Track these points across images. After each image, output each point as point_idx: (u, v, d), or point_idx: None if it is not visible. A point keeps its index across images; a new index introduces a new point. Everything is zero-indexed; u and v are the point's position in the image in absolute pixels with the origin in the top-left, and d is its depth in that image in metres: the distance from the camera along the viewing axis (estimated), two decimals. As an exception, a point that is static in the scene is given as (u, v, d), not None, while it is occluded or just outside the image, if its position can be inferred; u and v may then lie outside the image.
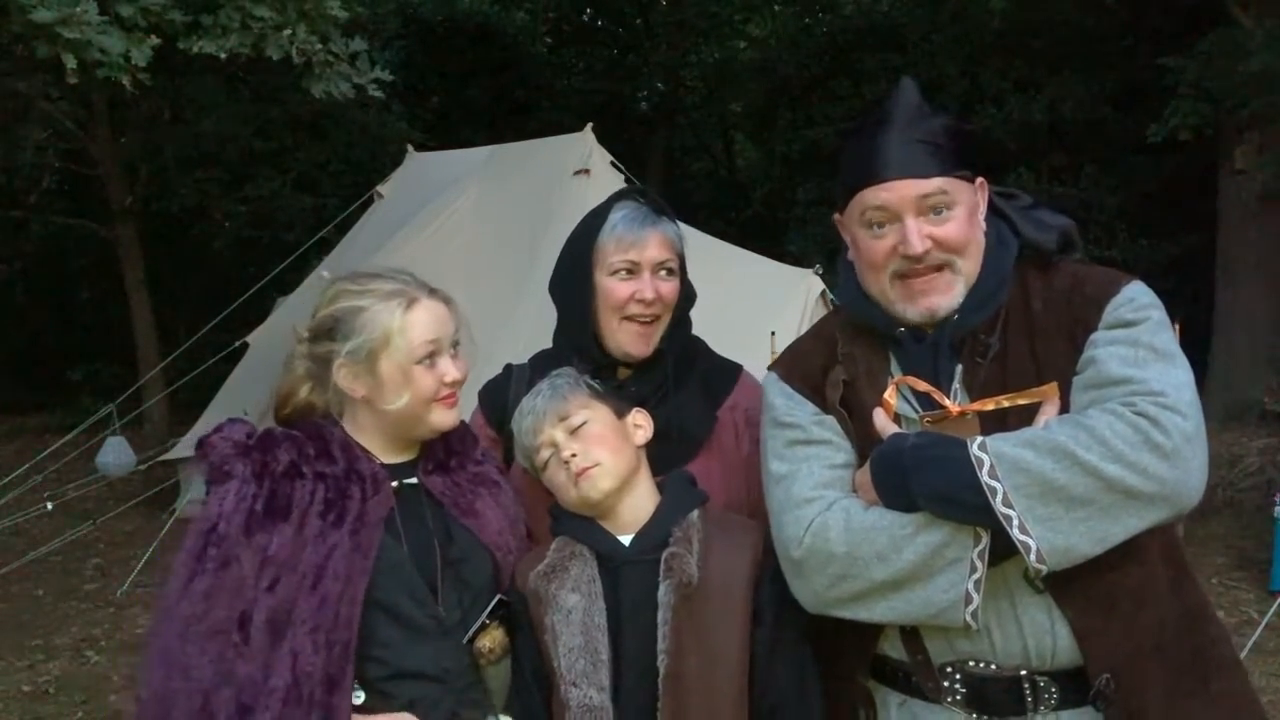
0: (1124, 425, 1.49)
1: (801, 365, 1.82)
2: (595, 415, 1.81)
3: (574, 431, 1.79)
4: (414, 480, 1.79)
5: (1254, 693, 1.76)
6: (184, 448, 8.11)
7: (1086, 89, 10.82)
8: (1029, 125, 10.73)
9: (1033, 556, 1.49)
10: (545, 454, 1.80)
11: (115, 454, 8.14)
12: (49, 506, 7.10)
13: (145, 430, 9.74)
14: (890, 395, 1.68)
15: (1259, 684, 4.51)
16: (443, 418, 1.78)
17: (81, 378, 12.29)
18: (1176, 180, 10.26)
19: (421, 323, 1.74)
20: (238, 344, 8.13)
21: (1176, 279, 8.81)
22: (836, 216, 1.79)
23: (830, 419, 1.74)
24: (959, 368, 1.69)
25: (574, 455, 1.76)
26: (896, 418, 1.68)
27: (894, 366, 1.74)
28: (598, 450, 1.77)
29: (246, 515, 1.64)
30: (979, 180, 1.74)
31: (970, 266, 1.69)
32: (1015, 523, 1.49)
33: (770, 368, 1.88)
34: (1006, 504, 1.49)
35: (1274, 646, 5.07)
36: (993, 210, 1.77)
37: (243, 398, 7.46)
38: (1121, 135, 10.35)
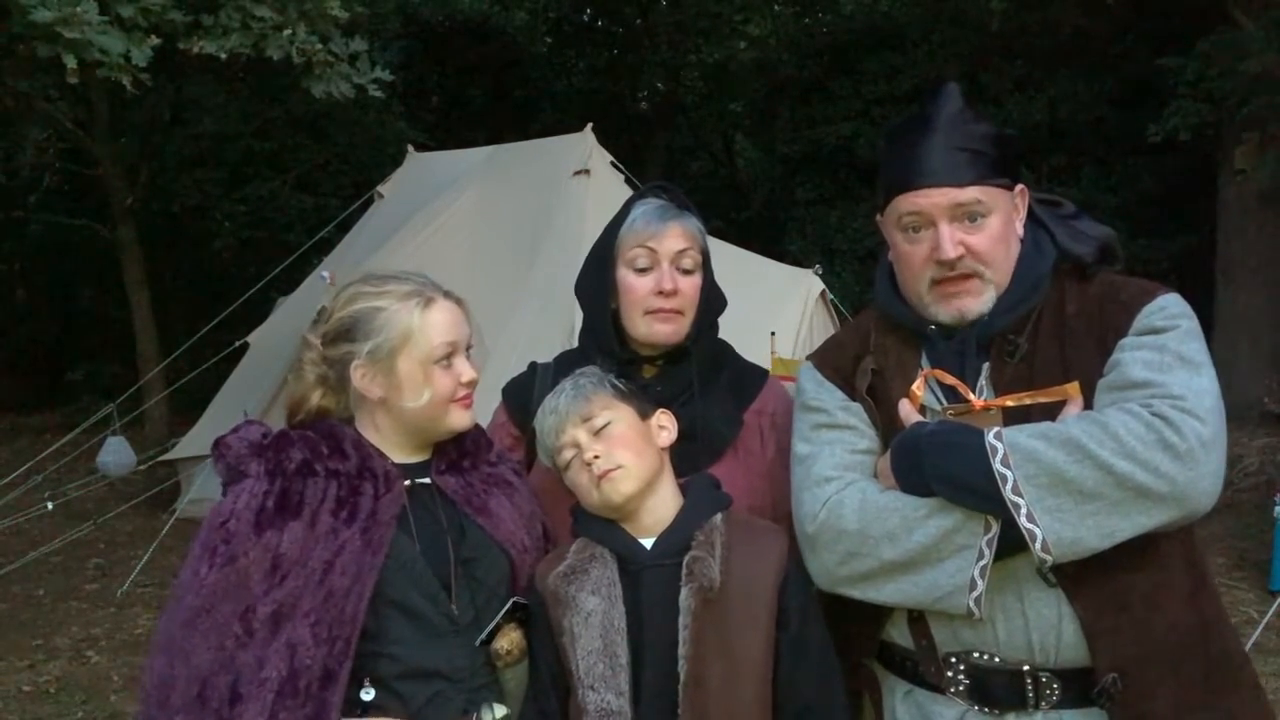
0: (1139, 424, 1.51)
1: (835, 354, 1.87)
2: (619, 416, 1.78)
3: (597, 433, 1.76)
4: (426, 480, 1.79)
5: (1270, 713, 1.73)
6: (184, 448, 8.12)
7: (1086, 89, 10.84)
8: (1029, 125, 10.73)
9: (1038, 545, 1.52)
10: (568, 455, 1.78)
11: (115, 454, 8.14)
12: (49, 506, 7.11)
13: (145, 430, 9.74)
14: (918, 387, 1.72)
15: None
16: (459, 418, 1.79)
17: (81, 378, 12.31)
18: (1176, 180, 10.27)
19: (440, 323, 1.75)
20: (238, 344, 8.13)
21: (1176, 279, 8.81)
22: (878, 217, 1.82)
23: (857, 406, 1.78)
24: (986, 365, 1.72)
25: (596, 457, 1.74)
26: (922, 409, 1.72)
27: (924, 360, 1.77)
28: (620, 452, 1.74)
29: (257, 513, 1.65)
30: (1019, 187, 1.76)
31: (1000, 275, 1.71)
32: (1023, 511, 1.52)
33: (808, 356, 1.93)
34: (1016, 492, 1.52)
35: (1274, 646, 5.07)
36: (1033, 217, 1.79)
37: (243, 398, 7.47)
38: (1121, 135, 10.36)
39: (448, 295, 1.80)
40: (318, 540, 1.64)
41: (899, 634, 1.75)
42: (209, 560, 1.63)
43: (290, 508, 1.66)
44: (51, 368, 12.94)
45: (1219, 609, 1.73)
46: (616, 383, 1.84)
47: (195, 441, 7.88)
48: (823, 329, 6.83)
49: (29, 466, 7.65)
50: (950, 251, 1.67)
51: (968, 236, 1.69)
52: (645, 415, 1.82)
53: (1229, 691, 1.66)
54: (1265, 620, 5.10)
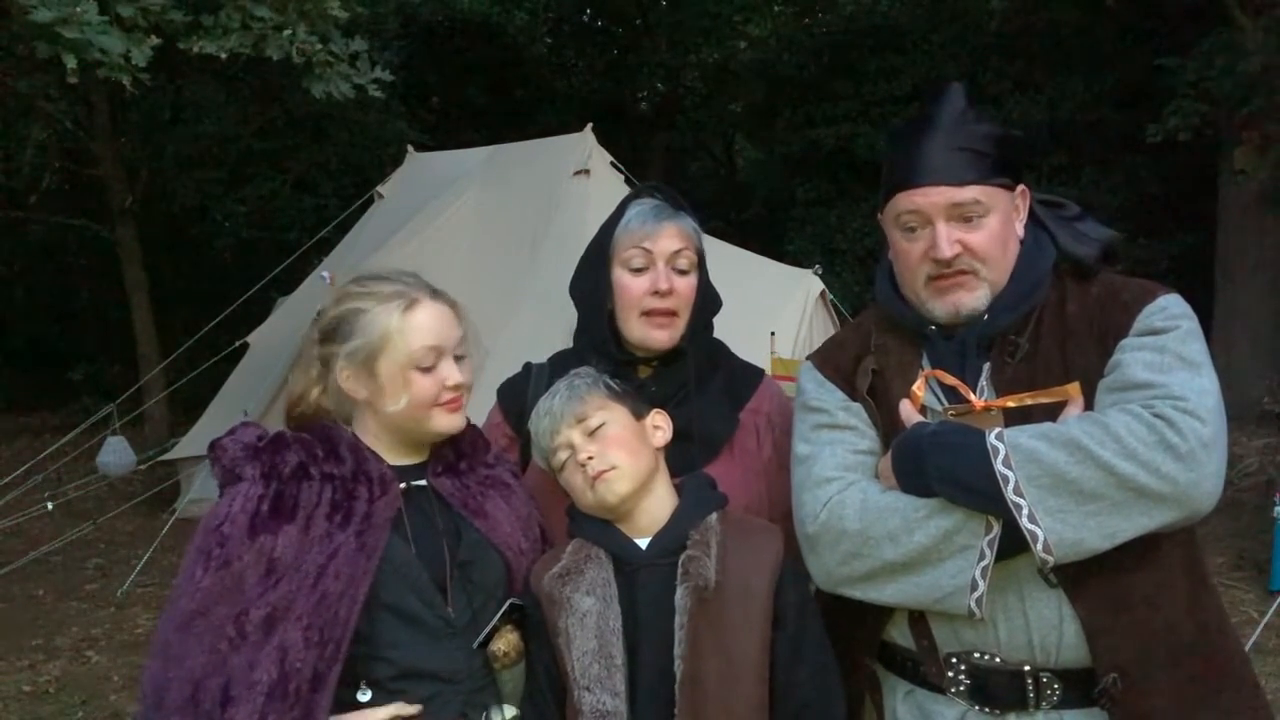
0: (1140, 425, 1.51)
1: (836, 354, 1.87)
2: (613, 417, 1.78)
3: (591, 433, 1.76)
4: (422, 482, 1.78)
5: (1269, 713, 1.73)
6: (184, 448, 8.12)
7: (1086, 89, 10.84)
8: (1029, 125, 10.73)
9: (1040, 546, 1.52)
10: (562, 455, 1.78)
11: (115, 454, 8.15)
12: (49, 506, 7.11)
13: (145, 430, 9.75)
14: (919, 387, 1.72)
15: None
16: (444, 422, 1.76)
17: (81, 378, 12.31)
18: (1176, 180, 10.28)
19: (422, 325, 1.73)
20: (238, 344, 8.13)
21: (1176, 279, 8.80)
22: (879, 215, 1.82)
23: (858, 406, 1.78)
24: (987, 365, 1.72)
25: (590, 458, 1.74)
26: (923, 410, 1.71)
27: (925, 361, 1.77)
28: (615, 453, 1.74)
29: (251, 516, 1.64)
30: (1020, 188, 1.76)
31: (997, 274, 1.72)
32: (1025, 512, 1.52)
33: (809, 356, 1.92)
34: (1018, 493, 1.52)
35: (1274, 646, 5.06)
36: (1035, 217, 1.79)
37: (243, 398, 7.47)
38: (1121, 135, 10.36)
39: (436, 296, 1.78)
40: (312, 544, 1.63)
41: (900, 634, 1.75)
42: (204, 564, 1.63)
43: (285, 511, 1.65)
44: (51, 368, 12.92)
45: (1219, 610, 1.73)
46: (611, 383, 1.83)
47: (195, 441, 7.88)
48: (823, 329, 6.83)
49: (29, 466, 7.65)
50: (946, 251, 1.68)
51: (965, 235, 1.69)
52: (640, 415, 1.82)
53: (1229, 691, 1.66)
54: (1265, 620, 5.11)
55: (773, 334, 6.16)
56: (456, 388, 1.75)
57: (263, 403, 7.08)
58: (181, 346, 8.83)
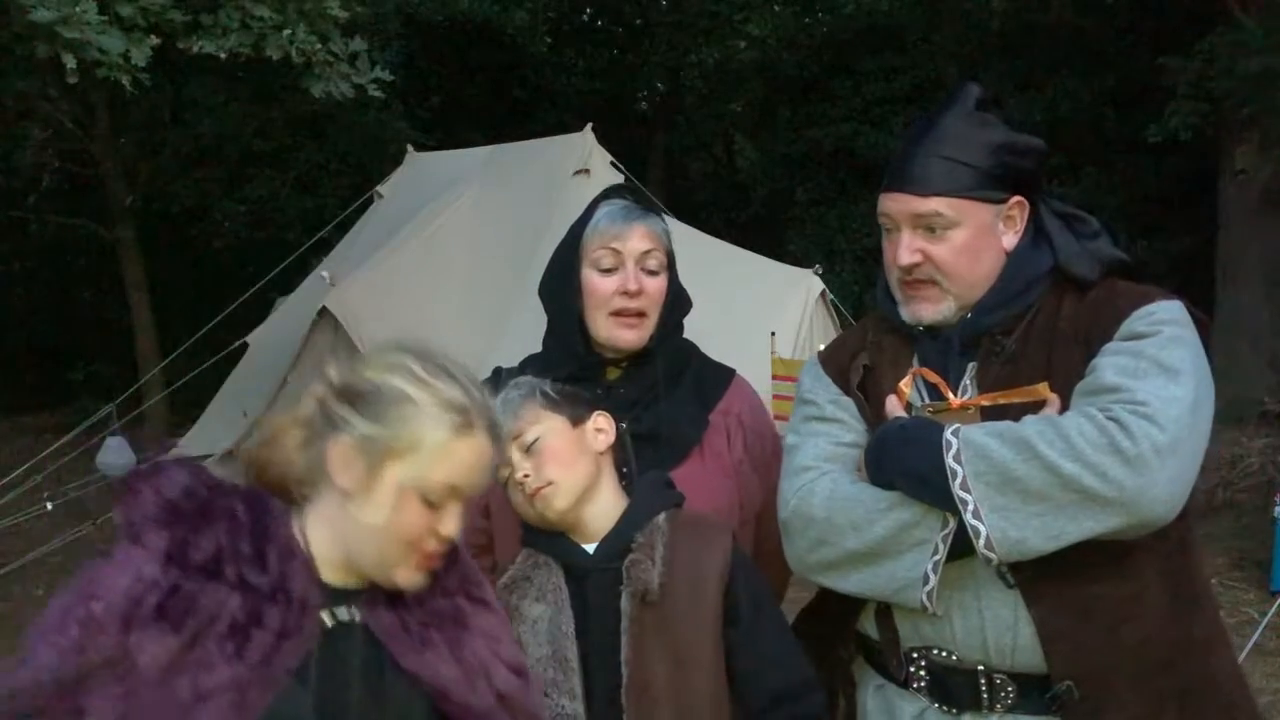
0: (1091, 427, 1.49)
1: (837, 352, 1.90)
2: (548, 428, 1.73)
3: (527, 449, 1.72)
4: (355, 618, 1.42)
5: None
6: (184, 448, 8.12)
7: (1086, 89, 10.84)
8: (1029, 125, 10.71)
9: (982, 543, 1.51)
10: (503, 473, 1.72)
11: (115, 454, 8.13)
12: (49, 506, 7.10)
13: (145, 430, 9.74)
14: (906, 384, 1.73)
15: (1259, 684, 4.50)
16: (405, 577, 1.40)
17: (81, 378, 12.28)
18: (1176, 180, 10.28)
19: (463, 460, 1.39)
20: (238, 344, 8.13)
21: (1176, 279, 8.80)
22: None
23: (848, 401, 1.79)
24: (972, 365, 1.72)
25: (526, 475, 1.71)
26: (908, 407, 1.72)
27: (917, 360, 1.78)
28: (551, 468, 1.71)
29: (133, 605, 1.29)
30: (1014, 199, 1.72)
31: (961, 288, 1.71)
32: (970, 507, 1.52)
33: (817, 353, 1.96)
34: (964, 488, 1.52)
35: (1274, 646, 5.06)
36: (1041, 224, 1.77)
37: (242, 398, 7.48)
38: (1121, 135, 10.37)
39: (493, 431, 1.43)
40: (187, 669, 1.28)
41: (870, 626, 1.76)
42: (57, 635, 1.30)
43: (174, 614, 1.29)
44: (51, 368, 12.91)
45: (1210, 626, 1.70)
46: (548, 390, 1.78)
47: (195, 441, 7.88)
48: (823, 329, 6.82)
49: (29, 466, 7.65)
50: (904, 259, 1.70)
51: (928, 245, 1.69)
52: (578, 421, 1.78)
53: (1214, 714, 1.63)
54: (1265, 620, 5.10)
55: (773, 334, 6.16)
56: (445, 541, 1.42)
57: (262, 403, 7.07)
58: (181, 346, 8.82)
